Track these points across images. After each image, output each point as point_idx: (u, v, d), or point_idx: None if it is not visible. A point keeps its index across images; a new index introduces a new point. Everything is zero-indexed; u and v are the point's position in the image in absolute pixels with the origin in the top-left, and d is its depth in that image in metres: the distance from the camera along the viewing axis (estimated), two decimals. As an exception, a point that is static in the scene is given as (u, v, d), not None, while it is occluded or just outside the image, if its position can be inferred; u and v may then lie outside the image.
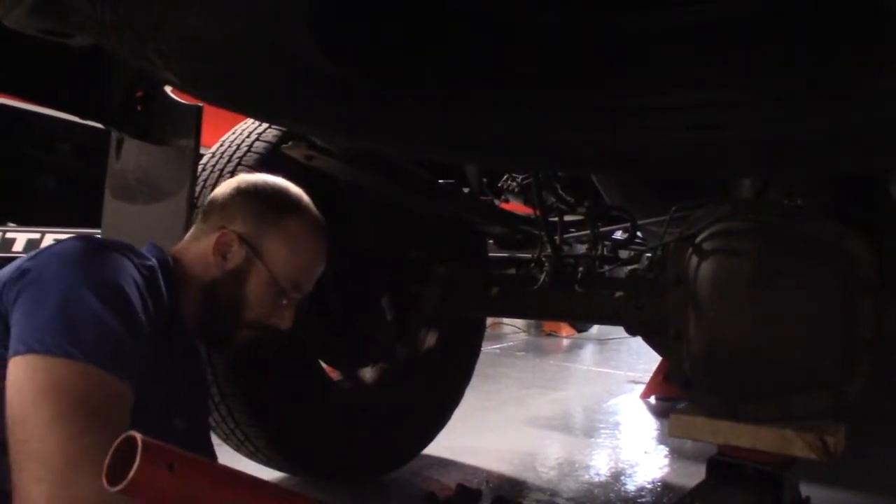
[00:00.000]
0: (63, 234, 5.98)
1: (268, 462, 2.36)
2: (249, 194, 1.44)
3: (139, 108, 1.80)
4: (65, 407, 1.01)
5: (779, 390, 1.54)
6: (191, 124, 1.77)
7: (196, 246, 1.42)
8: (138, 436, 0.72)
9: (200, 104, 1.74)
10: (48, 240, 5.87)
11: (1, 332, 1.11)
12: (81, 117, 1.72)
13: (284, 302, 1.42)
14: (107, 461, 0.72)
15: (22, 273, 1.13)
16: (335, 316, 2.35)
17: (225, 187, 1.47)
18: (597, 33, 1.25)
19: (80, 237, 1.22)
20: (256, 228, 1.40)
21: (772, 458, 1.54)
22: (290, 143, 2.01)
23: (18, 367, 1.04)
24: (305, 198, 1.49)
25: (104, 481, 0.71)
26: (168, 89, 1.83)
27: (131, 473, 0.70)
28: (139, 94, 1.79)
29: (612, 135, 1.35)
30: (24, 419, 1.00)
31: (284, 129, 2.14)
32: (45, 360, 1.03)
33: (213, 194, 1.47)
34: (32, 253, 1.18)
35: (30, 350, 1.04)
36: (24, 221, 5.92)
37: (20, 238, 5.78)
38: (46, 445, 0.98)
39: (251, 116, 2.07)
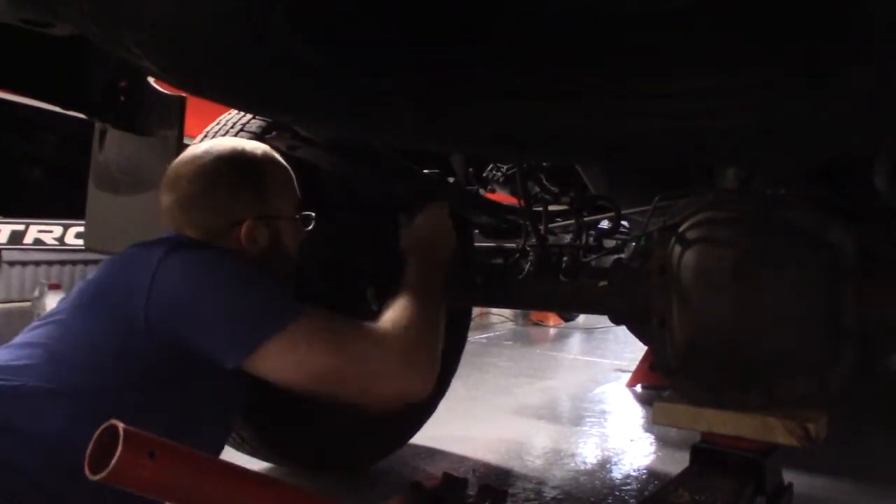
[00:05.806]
0: (48, 226, 5.95)
1: (254, 453, 2.36)
2: (227, 181, 1.50)
3: (122, 98, 1.80)
4: (334, 342, 1.30)
5: (761, 378, 1.55)
6: (174, 115, 1.78)
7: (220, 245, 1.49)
8: (120, 425, 0.72)
9: (184, 95, 1.74)
10: (32, 232, 5.83)
11: (178, 357, 1.28)
12: (64, 108, 1.71)
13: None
14: (89, 450, 0.72)
15: (179, 300, 1.28)
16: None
17: (193, 184, 1.50)
18: (582, 18, 1.24)
19: (183, 247, 1.38)
20: (257, 201, 1.52)
21: (754, 445, 1.56)
22: (273, 133, 2.00)
23: (270, 354, 1.25)
24: (244, 141, 1.63)
25: (86, 470, 0.71)
26: (151, 80, 1.83)
27: (113, 462, 0.70)
28: (122, 84, 1.79)
29: (598, 123, 1.35)
30: (328, 362, 1.28)
31: (268, 119, 2.13)
32: (283, 335, 1.26)
33: (182, 195, 1.50)
34: (156, 274, 1.30)
35: (264, 339, 1.25)
36: (9, 213, 5.88)
37: (4, 230, 5.74)
38: (357, 350, 1.32)
39: (232, 106, 2.06)
